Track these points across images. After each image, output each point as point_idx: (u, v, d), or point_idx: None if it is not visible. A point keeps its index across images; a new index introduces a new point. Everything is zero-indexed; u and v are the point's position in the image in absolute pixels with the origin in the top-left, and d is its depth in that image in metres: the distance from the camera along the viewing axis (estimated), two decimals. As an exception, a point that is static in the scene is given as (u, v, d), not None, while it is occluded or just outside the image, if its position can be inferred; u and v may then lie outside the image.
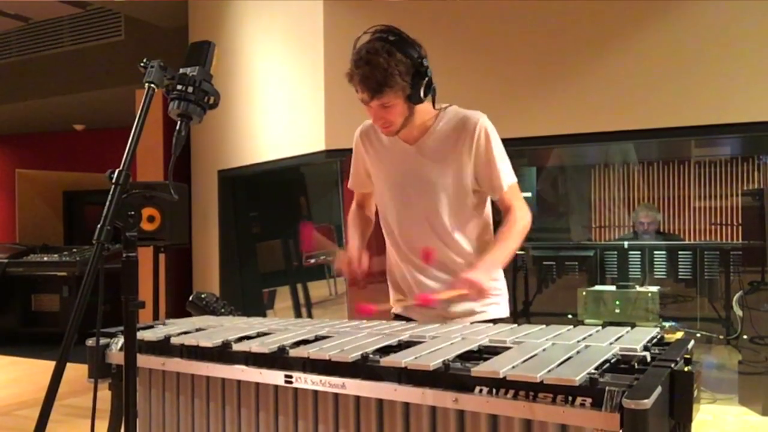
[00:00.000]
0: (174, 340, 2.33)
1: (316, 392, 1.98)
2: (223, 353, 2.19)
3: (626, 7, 4.63)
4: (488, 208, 2.74)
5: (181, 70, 2.00)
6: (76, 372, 2.39)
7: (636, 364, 1.77)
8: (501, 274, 2.75)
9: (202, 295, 3.19)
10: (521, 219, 2.59)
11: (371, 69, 2.36)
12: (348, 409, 1.92)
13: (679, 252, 6.02)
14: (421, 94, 2.47)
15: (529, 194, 7.15)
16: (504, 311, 2.75)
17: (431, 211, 2.62)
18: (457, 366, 1.78)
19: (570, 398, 1.57)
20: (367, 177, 2.82)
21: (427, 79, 2.47)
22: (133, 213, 1.86)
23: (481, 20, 4.98)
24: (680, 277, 5.96)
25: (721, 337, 5.71)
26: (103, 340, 2.48)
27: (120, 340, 2.45)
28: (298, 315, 7.42)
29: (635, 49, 4.60)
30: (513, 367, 1.69)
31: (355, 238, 2.78)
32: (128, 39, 9.46)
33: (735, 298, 5.45)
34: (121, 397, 2.35)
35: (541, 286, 6.22)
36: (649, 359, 1.79)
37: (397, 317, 2.80)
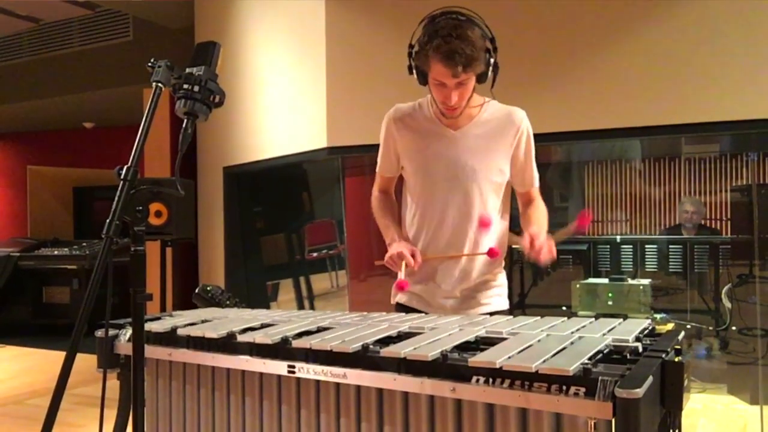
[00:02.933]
0: (180, 332, 2.33)
1: (318, 382, 1.98)
2: (228, 344, 2.19)
3: (618, 8, 4.63)
4: (509, 199, 2.77)
5: (188, 70, 2.00)
6: (85, 362, 2.40)
7: (628, 355, 1.77)
8: (502, 268, 2.77)
9: (208, 288, 3.19)
10: (544, 208, 2.73)
11: (461, 42, 2.34)
12: (349, 398, 1.92)
13: (670, 246, 6.02)
14: (488, 73, 2.48)
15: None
16: (505, 304, 2.77)
17: (464, 196, 2.61)
18: (454, 356, 1.78)
19: (564, 387, 1.57)
20: (396, 160, 2.77)
21: (494, 58, 2.48)
22: (141, 208, 1.86)
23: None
24: (671, 270, 5.96)
25: (711, 328, 5.71)
26: (111, 332, 2.48)
27: (128, 332, 2.46)
28: (301, 307, 7.43)
29: (627, 49, 4.59)
30: (509, 357, 1.69)
31: (394, 231, 2.73)
32: (136, 39, 9.45)
33: (724, 290, 5.47)
34: (130, 387, 2.35)
35: (536, 279, 6.23)
36: (640, 350, 1.79)
37: (399, 306, 2.79)
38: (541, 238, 2.42)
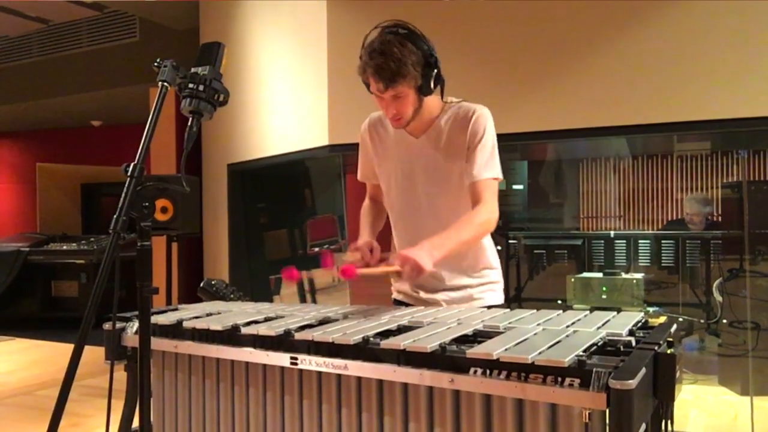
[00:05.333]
0: (186, 324, 2.33)
1: (320, 373, 1.98)
2: (232, 336, 2.19)
3: (611, 8, 4.62)
4: None
5: (193, 70, 2.00)
6: (93, 354, 2.40)
7: (622, 347, 1.77)
8: (497, 263, 2.75)
9: (213, 282, 3.19)
10: (484, 214, 2.45)
11: (385, 59, 2.32)
12: (350, 389, 1.92)
13: (662, 241, 6.02)
14: (431, 85, 2.43)
15: (521, 186, 7.13)
16: (499, 298, 2.73)
17: (436, 202, 2.59)
18: (453, 348, 1.78)
19: (559, 379, 1.57)
20: (374, 168, 2.78)
21: (436, 70, 2.43)
22: (147, 204, 1.86)
23: (474, 22, 4.97)
24: (663, 264, 5.96)
25: (702, 321, 5.71)
26: (119, 324, 2.48)
27: (135, 324, 2.46)
28: (303, 300, 7.42)
29: (620, 49, 4.59)
30: (506, 349, 1.69)
31: (366, 231, 2.73)
32: (143, 40, 9.45)
33: (715, 284, 5.46)
34: (136, 378, 2.35)
35: (532, 273, 6.22)
36: (633, 342, 1.79)
37: (396, 302, 2.79)
38: (412, 256, 2.21)
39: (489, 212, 2.46)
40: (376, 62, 2.34)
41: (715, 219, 6.71)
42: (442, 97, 2.56)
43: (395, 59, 2.33)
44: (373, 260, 2.49)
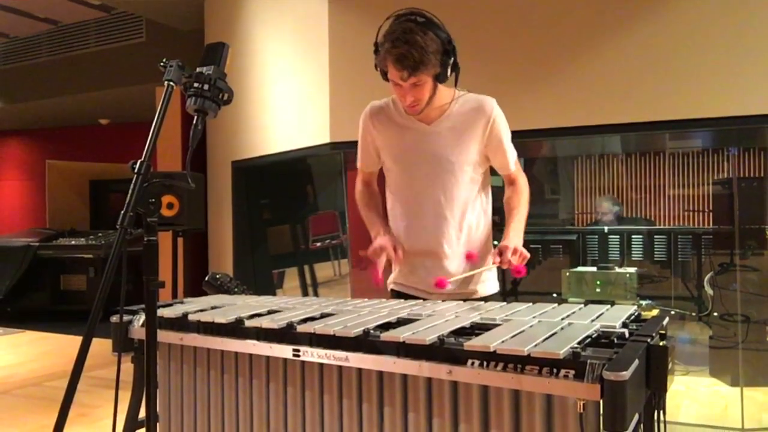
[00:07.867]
0: (191, 317, 2.33)
1: (321, 365, 1.98)
2: (236, 329, 2.19)
3: (602, 9, 4.61)
4: (489, 185, 2.74)
5: (198, 69, 1.99)
6: (101, 346, 2.40)
7: (615, 339, 1.77)
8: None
9: (217, 276, 3.18)
10: (525, 188, 2.70)
11: (409, 48, 2.31)
12: (351, 380, 1.92)
13: (655, 236, 6.02)
14: (448, 73, 2.44)
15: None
16: (494, 287, 2.75)
17: (444, 188, 2.58)
18: (451, 341, 1.78)
19: (555, 370, 1.57)
20: (376, 155, 2.75)
21: (453, 58, 2.44)
22: (153, 200, 1.86)
23: (470, 20, 4.96)
24: (656, 259, 5.96)
25: (694, 314, 5.71)
26: (126, 317, 2.48)
27: (141, 317, 2.45)
28: (305, 294, 7.42)
29: (614, 49, 4.58)
30: (502, 341, 1.69)
31: (377, 225, 2.70)
32: (149, 40, 9.44)
33: (706, 278, 5.46)
34: (143, 370, 2.35)
35: (528, 267, 6.21)
36: (627, 335, 1.79)
37: (394, 293, 2.78)
38: (508, 254, 2.44)
39: (526, 184, 2.73)
40: (399, 51, 2.33)
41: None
42: (456, 84, 2.56)
43: (419, 47, 2.32)
44: (397, 260, 2.58)
